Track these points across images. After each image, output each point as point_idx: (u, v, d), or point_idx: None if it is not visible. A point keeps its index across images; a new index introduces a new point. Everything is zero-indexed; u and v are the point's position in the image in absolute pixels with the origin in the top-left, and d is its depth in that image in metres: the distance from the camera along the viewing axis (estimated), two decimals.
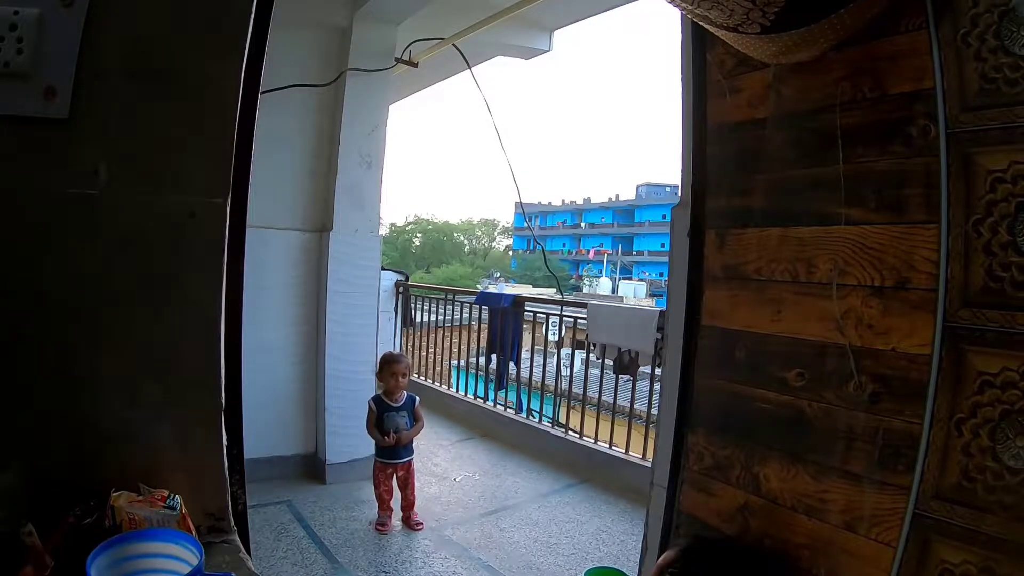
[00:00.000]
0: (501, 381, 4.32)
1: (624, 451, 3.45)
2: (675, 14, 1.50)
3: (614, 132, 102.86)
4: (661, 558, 1.41)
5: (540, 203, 45.43)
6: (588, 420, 3.69)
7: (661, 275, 31.00)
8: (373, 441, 2.83)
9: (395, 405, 2.79)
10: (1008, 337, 0.98)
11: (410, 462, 2.83)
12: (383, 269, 3.82)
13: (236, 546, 1.01)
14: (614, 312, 3.62)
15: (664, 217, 22.09)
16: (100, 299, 0.92)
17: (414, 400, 2.86)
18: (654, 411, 2.79)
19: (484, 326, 4.54)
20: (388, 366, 2.80)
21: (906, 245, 1.13)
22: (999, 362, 0.99)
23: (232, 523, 1.04)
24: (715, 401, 1.51)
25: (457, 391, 4.87)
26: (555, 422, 4.21)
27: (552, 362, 4.53)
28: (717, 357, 1.51)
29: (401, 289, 4.85)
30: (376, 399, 2.81)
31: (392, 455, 2.79)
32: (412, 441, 2.85)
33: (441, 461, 3.68)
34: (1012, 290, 0.97)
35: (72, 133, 0.88)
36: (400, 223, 42.66)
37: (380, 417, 2.77)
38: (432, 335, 5.23)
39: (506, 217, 51.87)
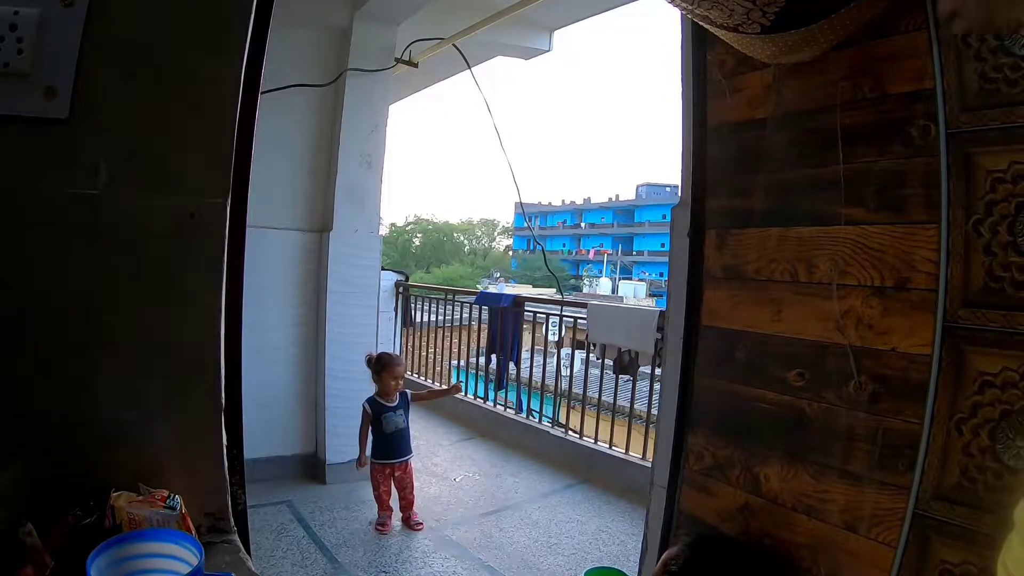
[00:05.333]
0: (501, 381, 4.32)
1: (624, 451, 3.45)
2: (675, 14, 1.50)
3: (614, 132, 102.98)
4: (665, 553, 1.41)
5: (540, 203, 45.44)
6: (588, 420, 3.69)
7: (661, 275, 30.99)
8: (370, 442, 2.83)
9: (391, 405, 2.79)
10: (1008, 337, 0.98)
11: (407, 462, 2.83)
12: (383, 269, 3.82)
13: (236, 546, 1.01)
14: (614, 312, 3.62)
15: (664, 217, 22.05)
16: (100, 299, 0.92)
17: (407, 396, 2.87)
18: (654, 411, 2.79)
19: (484, 326, 4.54)
20: (389, 369, 2.79)
21: (906, 245, 1.13)
22: (999, 362, 0.99)
23: (232, 523, 1.04)
24: (715, 401, 1.51)
25: None
26: (555, 422, 4.21)
27: (552, 362, 4.53)
28: (717, 357, 1.51)
29: (401, 289, 4.85)
30: (371, 401, 2.80)
31: (389, 455, 2.79)
32: (410, 440, 2.86)
33: (441, 461, 3.68)
34: (1012, 290, 0.97)
35: (72, 133, 0.87)
36: (400, 223, 42.72)
37: (377, 418, 2.77)
38: (432, 335, 5.23)
39: (506, 217, 51.95)
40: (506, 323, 4.23)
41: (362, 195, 3.27)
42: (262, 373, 3.03)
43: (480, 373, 4.74)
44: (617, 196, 40.56)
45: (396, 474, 2.81)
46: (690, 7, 1.16)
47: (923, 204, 1.11)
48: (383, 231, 3.67)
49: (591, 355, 3.81)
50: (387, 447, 2.79)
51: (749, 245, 1.43)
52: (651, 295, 28.84)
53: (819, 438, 1.27)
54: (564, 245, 42.58)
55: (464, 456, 3.82)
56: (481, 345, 4.63)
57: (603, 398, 3.94)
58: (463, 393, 4.75)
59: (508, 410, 4.31)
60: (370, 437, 2.83)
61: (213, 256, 0.99)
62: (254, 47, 1.01)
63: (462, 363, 5.34)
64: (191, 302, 0.99)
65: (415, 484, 2.89)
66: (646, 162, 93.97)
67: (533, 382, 4.49)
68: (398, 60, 3.41)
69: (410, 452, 2.85)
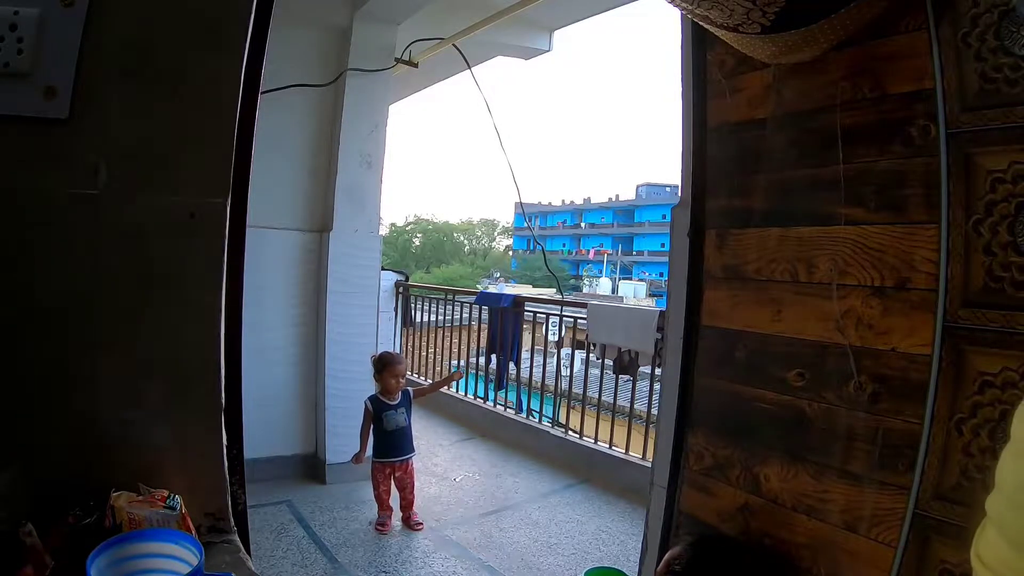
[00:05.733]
0: (501, 381, 4.32)
1: (624, 451, 3.45)
2: (675, 14, 1.50)
3: (614, 132, 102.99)
4: (668, 553, 1.41)
5: (540, 203, 45.44)
6: (588, 420, 3.69)
7: (661, 275, 30.99)
8: (371, 442, 2.83)
9: (393, 403, 2.79)
10: (1008, 337, 0.98)
11: (408, 461, 2.83)
12: (383, 269, 3.82)
13: (236, 546, 1.01)
14: (614, 312, 3.62)
15: (664, 217, 22.08)
16: (100, 299, 0.92)
17: (409, 394, 2.88)
18: (654, 411, 2.79)
19: (484, 326, 4.54)
20: (389, 367, 2.80)
21: (906, 245, 1.13)
22: (999, 362, 0.99)
23: (232, 523, 1.04)
24: (715, 401, 1.51)
25: (457, 391, 4.86)
26: (555, 422, 4.21)
27: (552, 362, 4.53)
28: (717, 357, 1.51)
29: (401, 289, 4.85)
30: (373, 399, 2.81)
31: (389, 453, 2.79)
32: (412, 439, 2.86)
33: (441, 461, 3.68)
34: (1012, 290, 0.97)
35: (72, 133, 0.87)
36: (400, 223, 42.74)
37: (379, 416, 2.77)
38: (432, 335, 5.23)
39: (506, 217, 51.95)
40: (506, 323, 4.22)
41: (362, 195, 3.27)
42: (262, 373, 3.03)
43: (480, 373, 4.74)
44: (617, 196, 40.55)
45: (396, 474, 2.82)
46: (690, 7, 1.16)
47: (923, 204, 1.11)
48: (383, 231, 3.67)
49: (591, 355, 3.81)
50: (388, 445, 2.79)
51: (749, 245, 1.43)
52: (651, 295, 28.84)
53: (819, 438, 1.27)
54: (564, 245, 42.57)
55: (464, 456, 3.82)
56: (481, 345, 4.63)
57: (603, 398, 3.94)
58: (464, 394, 4.76)
59: (508, 410, 4.31)
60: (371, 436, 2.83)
61: (213, 256, 0.99)
62: (254, 47, 1.01)
63: (462, 363, 5.34)
64: (191, 302, 0.99)
65: (415, 484, 2.89)
66: (646, 162, 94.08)
67: (533, 382, 4.49)
68: (398, 60, 3.41)
69: (412, 451, 2.85)
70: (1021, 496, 0.45)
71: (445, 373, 5.30)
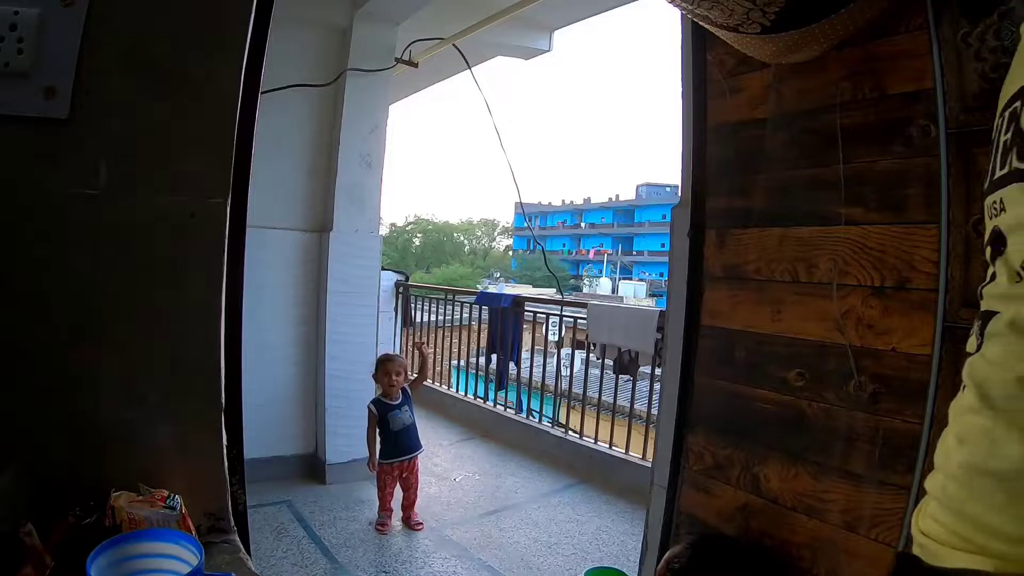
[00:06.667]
0: (501, 381, 4.32)
1: (624, 451, 3.45)
2: (675, 14, 1.50)
3: (614, 132, 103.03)
4: (668, 552, 1.41)
5: (540, 203, 45.45)
6: (588, 420, 3.69)
7: (661, 275, 30.98)
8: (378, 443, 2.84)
9: (394, 403, 2.80)
10: None
11: (415, 459, 2.85)
12: (383, 269, 3.82)
13: (236, 546, 1.01)
14: (614, 312, 3.62)
15: (664, 217, 22.08)
16: (100, 299, 0.92)
17: (407, 391, 2.89)
18: (654, 411, 2.79)
19: (484, 326, 4.54)
20: (382, 366, 2.82)
21: (906, 245, 1.13)
22: None
23: (232, 523, 1.04)
24: (715, 401, 1.51)
25: (457, 391, 4.87)
26: (555, 422, 4.21)
27: (552, 362, 4.53)
28: (717, 357, 1.51)
29: (401, 289, 4.85)
30: (375, 402, 2.82)
31: (399, 452, 2.80)
32: (418, 435, 2.88)
33: (441, 461, 3.68)
34: None
35: (72, 133, 0.87)
36: (400, 223, 42.76)
37: (384, 418, 2.78)
38: (432, 335, 5.23)
39: (506, 217, 51.97)
40: (506, 323, 4.22)
41: (362, 195, 3.27)
42: (262, 373, 3.02)
43: (480, 373, 4.74)
44: (617, 196, 40.55)
45: (404, 475, 2.83)
46: (690, 7, 1.16)
47: (923, 204, 1.11)
48: (383, 231, 3.67)
49: (591, 355, 3.81)
50: (396, 445, 2.80)
51: (749, 245, 1.43)
52: (651, 295, 28.84)
53: (819, 438, 1.27)
54: (564, 245, 42.57)
55: (464, 456, 3.82)
56: (481, 345, 4.63)
57: (603, 398, 3.94)
58: (464, 394, 4.76)
59: (508, 410, 4.31)
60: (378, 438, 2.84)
61: (213, 256, 0.99)
62: (254, 47, 1.01)
63: (462, 363, 5.34)
64: (191, 302, 0.98)
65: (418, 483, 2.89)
66: (646, 162, 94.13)
67: (533, 382, 4.49)
68: (398, 60, 3.41)
69: (420, 447, 2.87)
70: (959, 471, 0.52)
71: (444, 373, 5.31)
